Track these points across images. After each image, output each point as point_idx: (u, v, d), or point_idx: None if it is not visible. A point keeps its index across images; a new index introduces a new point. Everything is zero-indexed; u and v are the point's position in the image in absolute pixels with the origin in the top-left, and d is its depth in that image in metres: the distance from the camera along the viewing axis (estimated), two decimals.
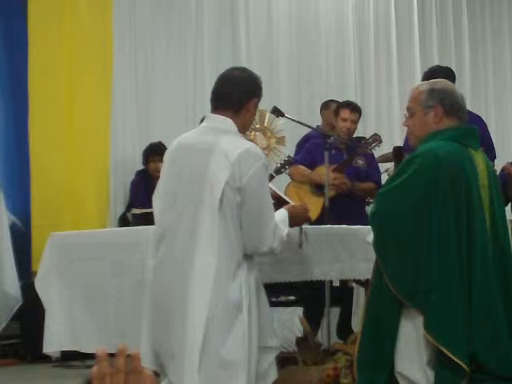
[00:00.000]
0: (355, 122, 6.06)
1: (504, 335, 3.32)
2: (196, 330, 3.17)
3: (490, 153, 5.29)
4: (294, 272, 4.13)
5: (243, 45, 8.15)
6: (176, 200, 3.34)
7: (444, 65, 6.44)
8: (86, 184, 7.12)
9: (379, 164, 6.38)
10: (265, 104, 4.70)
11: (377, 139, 5.98)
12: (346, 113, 6.01)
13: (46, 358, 5.48)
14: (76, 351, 4.62)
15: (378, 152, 6.32)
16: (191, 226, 3.26)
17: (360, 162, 6.04)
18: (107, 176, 7.31)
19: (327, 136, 5.24)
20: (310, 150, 6.03)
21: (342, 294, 5.76)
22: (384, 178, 5.97)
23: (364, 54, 8.89)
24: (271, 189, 3.61)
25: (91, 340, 4.37)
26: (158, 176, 3.56)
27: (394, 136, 8.43)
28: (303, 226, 3.94)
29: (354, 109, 6.08)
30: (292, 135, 6.83)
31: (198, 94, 7.74)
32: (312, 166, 5.93)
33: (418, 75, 8.23)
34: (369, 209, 4.65)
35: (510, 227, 3.61)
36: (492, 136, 6.01)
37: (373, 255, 3.46)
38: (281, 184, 5.99)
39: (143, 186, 6.83)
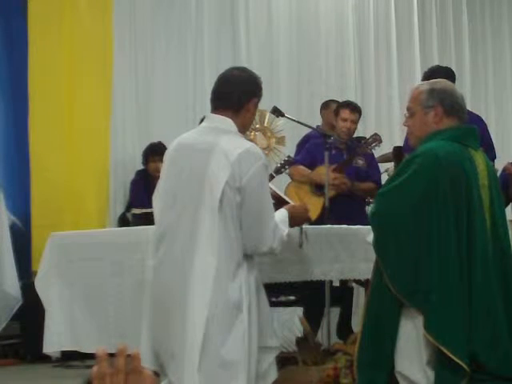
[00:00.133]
0: (355, 122, 6.05)
1: (504, 335, 3.32)
2: (196, 330, 3.17)
3: (490, 153, 5.29)
4: (294, 272, 4.13)
5: (243, 45, 8.15)
6: (176, 200, 3.34)
7: (444, 65, 6.43)
8: (86, 184, 7.12)
9: (379, 164, 6.38)
10: (265, 104, 4.70)
11: (377, 139, 5.98)
12: (346, 113, 6.01)
13: (45, 358, 5.48)
14: (76, 351, 4.62)
15: (378, 152, 6.32)
16: (191, 226, 3.26)
17: (360, 162, 6.04)
18: (107, 176, 7.31)
19: (327, 136, 5.24)
20: (310, 150, 6.03)
21: (342, 293, 5.77)
22: (384, 178, 5.97)
23: (364, 54, 8.89)
24: (271, 189, 3.61)
25: (91, 340, 4.37)
26: (158, 176, 3.56)
27: (393, 136, 8.43)
28: (303, 226, 3.94)
29: (354, 109, 6.08)
30: (292, 135, 6.83)
31: (198, 94, 7.74)
32: (312, 166, 5.93)
33: (418, 75, 8.23)
34: (369, 209, 4.65)
35: (510, 227, 3.61)
36: (492, 136, 6.01)
37: (373, 255, 3.46)
38: (281, 184, 5.99)
39: (143, 185, 6.83)
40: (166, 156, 3.50)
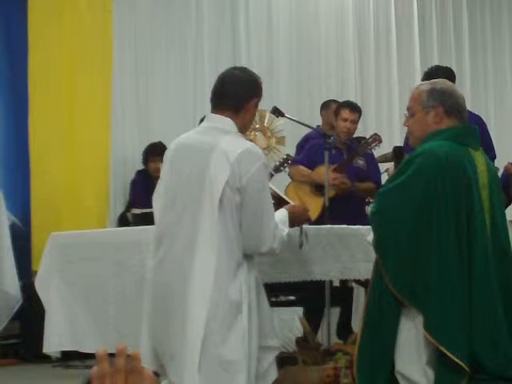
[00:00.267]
0: (355, 122, 6.06)
1: (504, 335, 3.32)
2: (196, 330, 3.17)
3: (490, 153, 5.29)
4: (293, 272, 4.13)
5: (243, 45, 8.15)
6: (176, 200, 3.34)
7: (444, 65, 6.43)
8: (86, 184, 7.12)
9: (379, 164, 6.38)
10: (265, 104, 4.70)
11: (377, 139, 5.98)
12: (346, 113, 6.01)
13: (46, 358, 5.48)
14: (76, 351, 4.62)
15: (378, 152, 6.32)
16: (191, 226, 3.26)
17: (360, 162, 6.04)
18: (107, 176, 7.31)
19: (327, 136, 5.24)
20: (310, 150, 6.03)
21: (342, 293, 5.77)
22: (384, 178, 5.97)
23: (364, 54, 8.90)
24: (271, 189, 3.61)
25: (91, 340, 4.37)
26: (158, 176, 3.56)
27: (393, 136, 8.44)
28: (303, 226, 3.94)
29: (354, 109, 6.08)
30: (292, 135, 6.83)
31: (198, 94, 7.74)
32: (312, 166, 5.93)
33: (418, 75, 8.23)
34: (369, 209, 4.64)
35: (510, 227, 3.61)
36: (492, 136, 6.01)
37: (373, 255, 3.46)
38: (281, 184, 5.99)
39: (143, 185, 6.83)
40: (166, 156, 3.49)
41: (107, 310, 4.31)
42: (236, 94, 3.40)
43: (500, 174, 5.61)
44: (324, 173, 5.32)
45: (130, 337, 3.95)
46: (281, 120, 5.65)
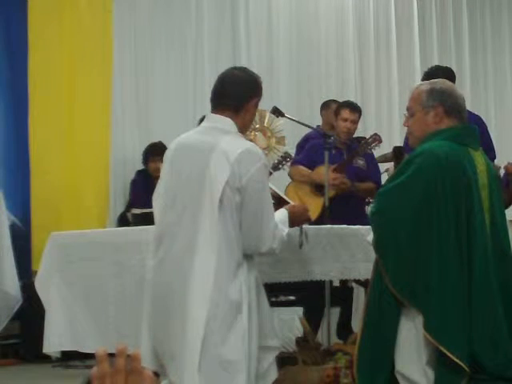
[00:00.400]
0: (355, 122, 6.05)
1: (504, 335, 3.32)
2: (196, 330, 3.17)
3: (490, 153, 5.29)
4: (293, 272, 4.13)
5: (243, 45, 8.15)
6: (176, 200, 3.34)
7: (444, 65, 6.43)
8: (86, 184, 7.12)
9: (379, 164, 6.38)
10: (265, 104, 4.70)
11: (377, 139, 5.98)
12: (346, 113, 6.01)
13: (46, 358, 5.48)
14: (76, 351, 4.62)
15: (378, 152, 6.32)
16: (191, 226, 3.26)
17: (360, 162, 6.04)
18: (107, 176, 7.31)
19: (327, 136, 5.24)
20: (310, 150, 6.03)
21: (342, 293, 5.77)
22: (384, 178, 5.97)
23: (364, 54, 8.90)
24: (271, 189, 3.61)
25: (91, 340, 4.37)
26: (158, 176, 3.56)
27: (393, 136, 8.43)
28: (303, 226, 3.94)
29: (354, 109, 6.08)
30: (292, 135, 6.82)
31: (198, 94, 7.74)
32: (312, 166, 5.93)
33: (418, 75, 8.23)
34: (369, 209, 4.65)
35: (510, 227, 3.61)
36: (492, 136, 6.00)
37: (373, 255, 3.46)
38: (281, 184, 5.99)
39: (143, 185, 6.83)
40: (166, 156, 3.49)
41: (107, 310, 4.31)
42: (236, 94, 3.40)
43: (501, 172, 5.61)
44: (324, 173, 5.32)
45: (129, 337, 3.95)
46: (281, 120, 5.65)
